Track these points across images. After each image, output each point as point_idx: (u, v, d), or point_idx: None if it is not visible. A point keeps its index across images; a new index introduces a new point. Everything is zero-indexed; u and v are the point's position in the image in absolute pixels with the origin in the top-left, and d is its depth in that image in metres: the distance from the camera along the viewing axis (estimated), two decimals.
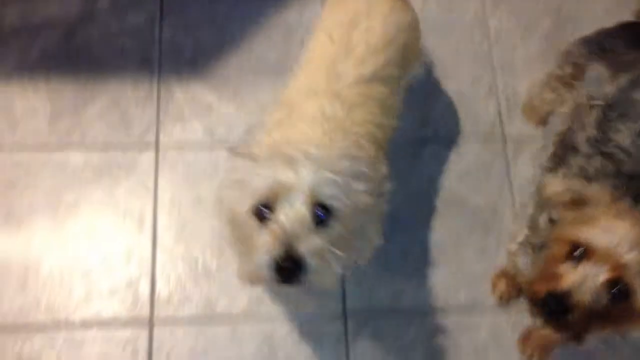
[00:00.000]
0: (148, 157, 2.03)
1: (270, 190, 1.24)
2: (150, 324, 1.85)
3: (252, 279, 1.31)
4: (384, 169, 1.52)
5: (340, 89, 1.52)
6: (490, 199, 2.03)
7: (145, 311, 1.86)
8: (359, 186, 1.30)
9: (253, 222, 1.27)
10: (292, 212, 1.23)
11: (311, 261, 1.21)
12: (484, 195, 2.03)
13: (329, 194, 1.25)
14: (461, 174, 2.06)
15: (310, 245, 1.22)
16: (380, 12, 1.62)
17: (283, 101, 1.58)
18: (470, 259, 1.96)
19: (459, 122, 2.13)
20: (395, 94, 1.65)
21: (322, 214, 1.25)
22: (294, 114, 1.51)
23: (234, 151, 1.33)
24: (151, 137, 2.05)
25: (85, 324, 1.84)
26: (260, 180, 1.25)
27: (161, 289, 1.88)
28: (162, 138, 2.05)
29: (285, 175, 1.24)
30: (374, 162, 1.47)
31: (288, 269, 1.21)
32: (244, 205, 1.27)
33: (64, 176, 2.00)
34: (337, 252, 1.26)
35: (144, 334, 1.84)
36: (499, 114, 2.14)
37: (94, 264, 1.91)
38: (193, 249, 1.93)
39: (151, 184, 1.99)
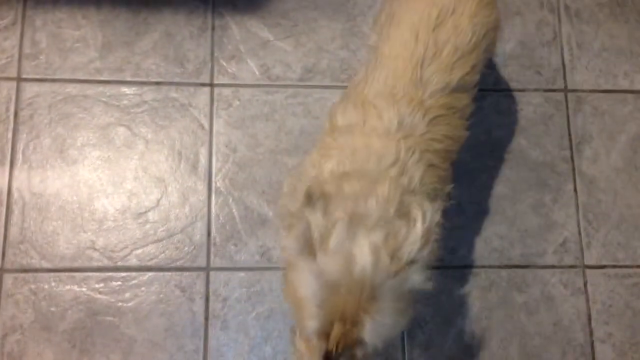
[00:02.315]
0: (203, 95, 1.80)
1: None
2: (207, 269, 1.68)
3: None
4: (449, 188, 1.36)
5: (424, 98, 1.29)
6: (549, 154, 1.82)
7: (201, 256, 1.69)
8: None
9: None
10: None
11: None
12: (543, 150, 1.82)
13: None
14: (521, 126, 1.84)
15: None
16: (467, 7, 1.36)
17: (356, 99, 1.34)
18: (525, 215, 1.77)
19: (520, 72, 1.87)
20: (474, 102, 1.43)
21: None
22: (367, 123, 1.28)
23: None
24: (206, 75, 1.81)
25: (142, 267, 1.67)
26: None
27: (216, 234, 1.70)
28: (217, 76, 1.81)
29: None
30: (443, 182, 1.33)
31: None
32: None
33: (117, 112, 1.78)
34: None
35: (200, 279, 1.67)
36: (563, 64, 1.87)
37: (148, 205, 1.71)
38: (249, 196, 1.73)
39: (206, 124, 1.77)
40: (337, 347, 1.05)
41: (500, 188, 1.79)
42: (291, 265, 1.13)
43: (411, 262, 1.07)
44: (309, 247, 1.07)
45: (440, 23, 1.33)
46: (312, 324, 1.07)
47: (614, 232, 1.77)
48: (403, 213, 1.14)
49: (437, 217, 1.14)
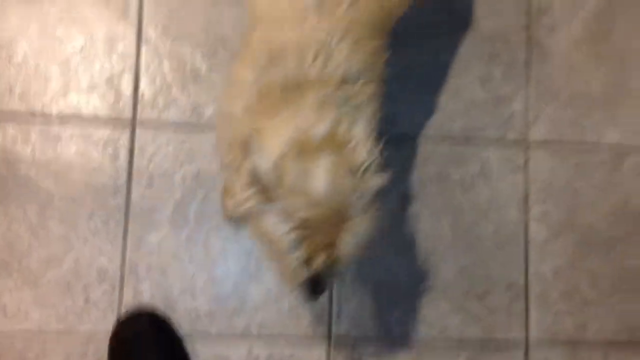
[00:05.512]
0: None
1: None
2: (132, 124, 1.45)
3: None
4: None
5: None
6: (503, 24, 1.56)
7: (127, 111, 1.45)
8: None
9: None
10: None
11: None
12: (497, 18, 1.56)
13: None
14: None
15: None
16: None
17: None
18: (471, 88, 1.54)
19: None
20: None
21: None
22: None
23: None
24: None
25: (62, 119, 1.44)
26: None
27: (145, 88, 1.46)
28: None
29: None
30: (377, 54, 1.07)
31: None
32: None
33: None
34: None
35: (125, 135, 1.44)
36: None
37: (72, 52, 1.46)
38: (182, 47, 1.48)
39: None
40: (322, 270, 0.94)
41: (446, 57, 1.54)
42: (254, 215, 0.95)
43: (367, 169, 0.92)
44: (265, 193, 0.90)
45: None
46: (295, 259, 0.93)
47: (565, 108, 1.56)
48: (340, 119, 0.94)
49: (374, 106, 1.02)
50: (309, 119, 0.92)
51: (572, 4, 1.57)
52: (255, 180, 0.90)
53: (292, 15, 1.01)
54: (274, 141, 0.90)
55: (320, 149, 0.90)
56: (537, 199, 1.54)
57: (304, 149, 0.89)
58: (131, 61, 1.47)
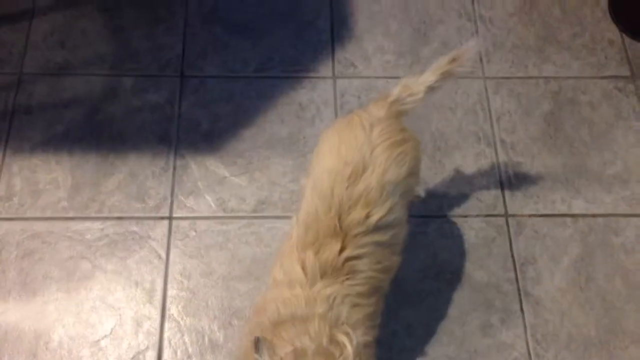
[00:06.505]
0: (162, 228, 1.72)
1: None
2: None
3: None
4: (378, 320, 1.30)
5: (345, 247, 1.23)
6: (493, 276, 1.69)
7: None
8: None
9: None
10: None
11: None
12: (487, 271, 1.69)
13: None
14: (464, 249, 1.72)
15: None
16: (378, 165, 1.28)
17: (290, 253, 1.28)
18: (473, 336, 1.61)
19: (461, 199, 1.78)
20: (405, 228, 1.35)
21: None
22: (294, 275, 1.25)
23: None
24: (165, 209, 1.74)
25: None
26: None
27: None
28: (176, 210, 1.75)
29: None
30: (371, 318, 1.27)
31: None
32: None
33: (80, 246, 1.70)
34: None
35: None
36: (502, 191, 1.79)
37: (103, 333, 1.59)
38: (200, 321, 1.61)
39: (163, 255, 1.68)
40: None
41: (448, 309, 1.65)
42: None
43: None
44: None
45: (353, 182, 1.25)
46: None
47: (564, 353, 1.60)
48: (335, 341, 1.13)
49: (364, 339, 1.18)
50: (309, 339, 1.11)
51: (552, 255, 1.71)
52: None
53: (303, 280, 1.22)
54: (279, 345, 1.09)
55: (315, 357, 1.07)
56: None
57: (301, 355, 1.06)
58: (155, 338, 1.59)
